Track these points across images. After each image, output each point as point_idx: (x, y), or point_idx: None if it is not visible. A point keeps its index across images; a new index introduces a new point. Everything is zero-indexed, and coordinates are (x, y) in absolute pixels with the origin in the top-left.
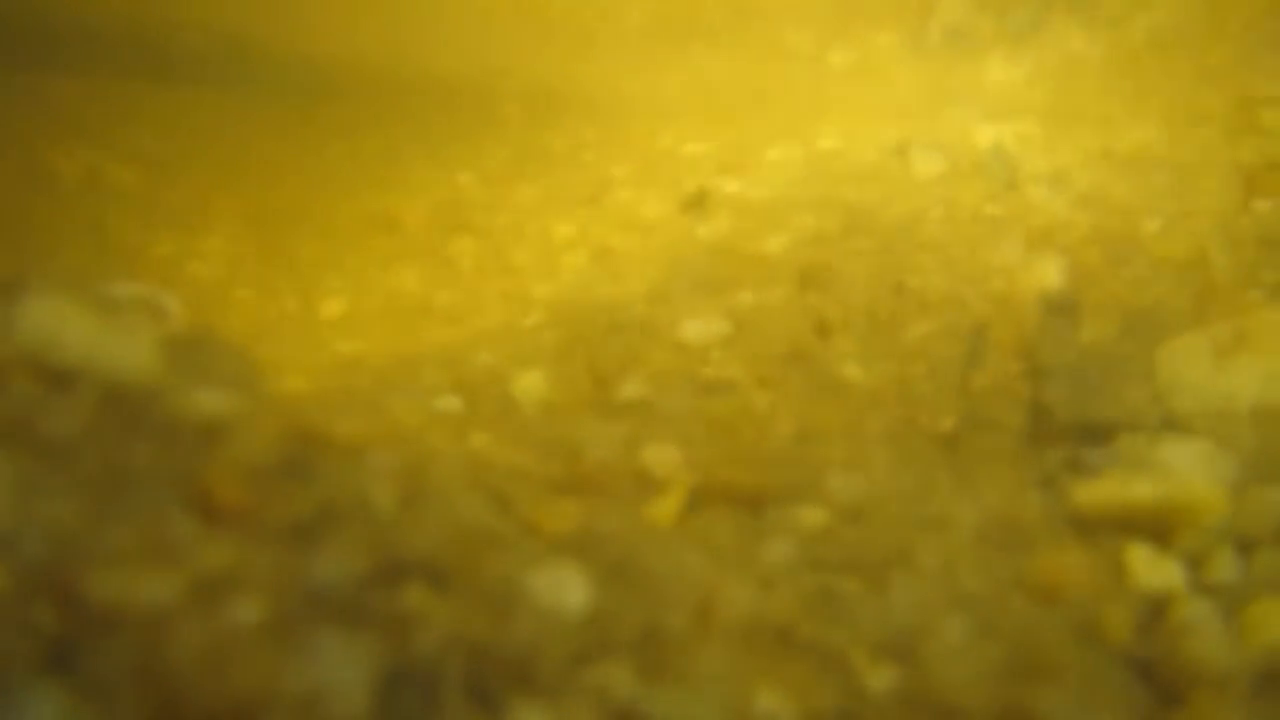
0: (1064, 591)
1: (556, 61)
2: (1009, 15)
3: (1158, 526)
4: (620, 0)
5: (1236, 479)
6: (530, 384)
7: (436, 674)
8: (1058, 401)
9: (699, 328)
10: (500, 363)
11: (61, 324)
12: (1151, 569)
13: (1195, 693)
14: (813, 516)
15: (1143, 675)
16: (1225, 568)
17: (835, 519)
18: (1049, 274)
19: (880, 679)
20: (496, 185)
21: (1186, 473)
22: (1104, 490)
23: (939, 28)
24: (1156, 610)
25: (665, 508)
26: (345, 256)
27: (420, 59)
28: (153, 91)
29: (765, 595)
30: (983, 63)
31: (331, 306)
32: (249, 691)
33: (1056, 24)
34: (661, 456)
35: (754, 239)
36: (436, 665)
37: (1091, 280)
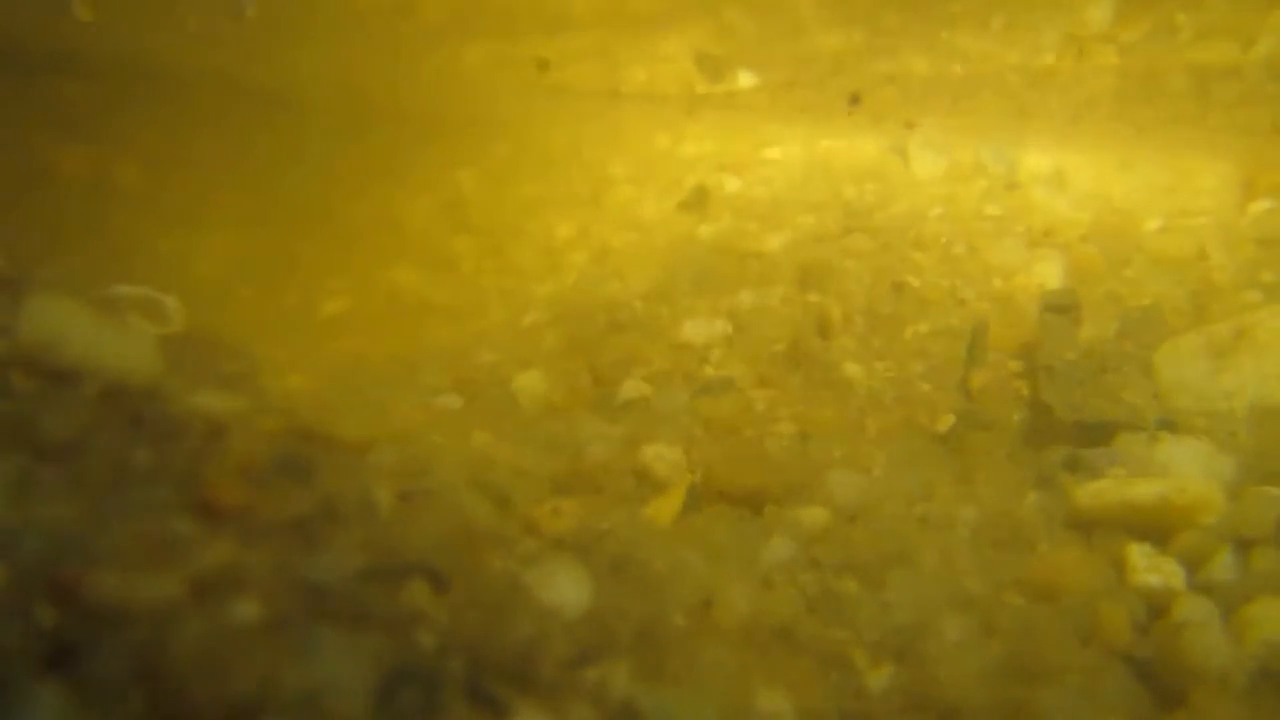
0: (1063, 591)
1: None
2: None
3: (1157, 526)
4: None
5: (1235, 479)
6: (530, 383)
7: (436, 674)
8: (1058, 401)
9: (699, 327)
10: (500, 361)
11: (62, 323)
12: (1150, 568)
13: (1194, 691)
14: (813, 516)
15: (1142, 674)
16: (1224, 567)
17: (835, 519)
18: (1049, 273)
19: (880, 678)
20: (496, 184)
21: (1185, 473)
22: (1103, 490)
23: None
24: (1156, 609)
25: (665, 507)
26: (346, 255)
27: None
28: (156, 93)
29: (765, 595)
30: None
31: (332, 305)
32: (249, 691)
33: None
34: (661, 456)
35: (754, 238)
36: (436, 665)
37: (1091, 280)
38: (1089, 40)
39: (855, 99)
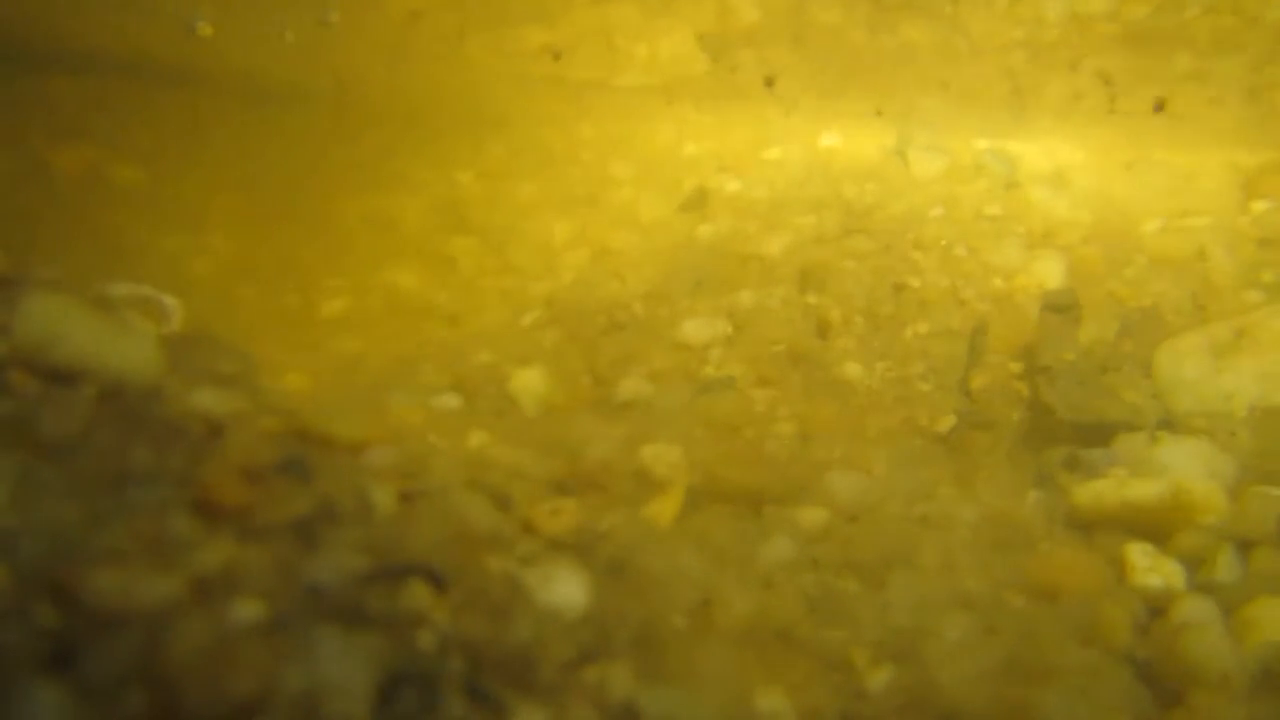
0: (1064, 591)
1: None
2: None
3: (1157, 526)
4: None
5: (1235, 479)
6: (529, 383)
7: (436, 674)
8: (1058, 401)
9: (699, 327)
10: (499, 361)
11: (62, 323)
12: (1151, 569)
13: (1194, 691)
14: (813, 516)
15: (1142, 675)
16: (1224, 567)
17: (835, 519)
18: (1049, 274)
19: (880, 679)
20: (495, 184)
21: (1185, 473)
22: (1103, 490)
23: None
24: (1156, 610)
25: (665, 507)
26: (345, 256)
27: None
28: (155, 92)
29: (765, 595)
30: None
31: (331, 305)
32: (249, 691)
33: None
34: (661, 456)
35: (754, 239)
36: (436, 665)
37: (1091, 280)
38: (1092, 19)
39: (770, 81)
